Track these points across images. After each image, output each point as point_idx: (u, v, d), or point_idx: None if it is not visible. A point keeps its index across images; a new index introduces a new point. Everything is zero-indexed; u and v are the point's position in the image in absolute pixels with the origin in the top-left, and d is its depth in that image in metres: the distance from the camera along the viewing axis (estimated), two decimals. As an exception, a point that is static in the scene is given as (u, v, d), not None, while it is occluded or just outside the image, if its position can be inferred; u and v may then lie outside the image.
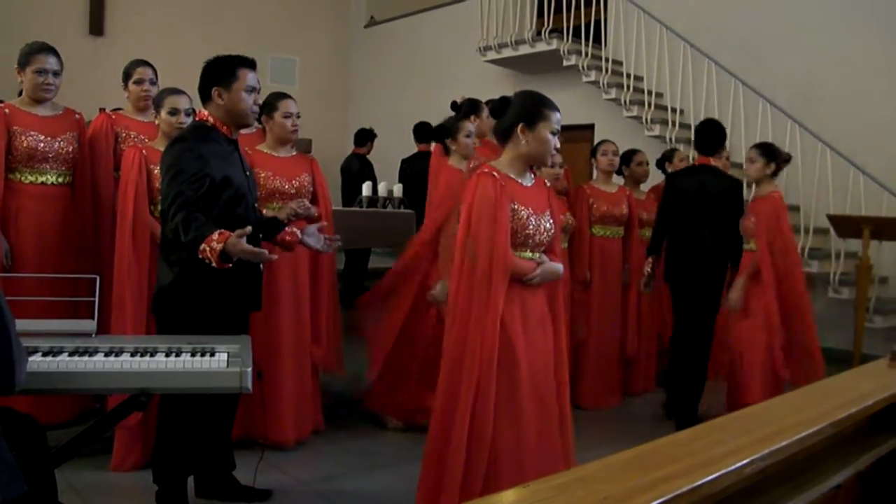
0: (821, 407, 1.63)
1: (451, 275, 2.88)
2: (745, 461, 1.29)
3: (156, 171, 3.38)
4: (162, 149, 3.08)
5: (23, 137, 3.65)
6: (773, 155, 4.47)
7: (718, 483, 1.21)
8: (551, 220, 2.94)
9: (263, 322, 3.82)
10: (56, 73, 3.70)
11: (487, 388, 2.72)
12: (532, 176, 2.95)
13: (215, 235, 2.62)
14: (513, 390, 2.78)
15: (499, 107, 2.92)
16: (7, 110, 3.66)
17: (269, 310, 3.84)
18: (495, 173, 2.78)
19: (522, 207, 2.82)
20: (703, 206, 4.61)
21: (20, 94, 3.78)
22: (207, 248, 2.62)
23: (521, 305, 2.83)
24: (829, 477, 1.62)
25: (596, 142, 7.28)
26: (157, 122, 3.62)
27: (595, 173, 5.36)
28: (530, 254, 2.87)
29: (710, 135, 4.79)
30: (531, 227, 2.84)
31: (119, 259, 3.48)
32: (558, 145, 2.89)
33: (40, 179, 3.72)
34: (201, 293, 2.87)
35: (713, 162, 4.86)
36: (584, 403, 4.98)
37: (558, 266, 2.94)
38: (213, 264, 2.63)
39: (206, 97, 3.02)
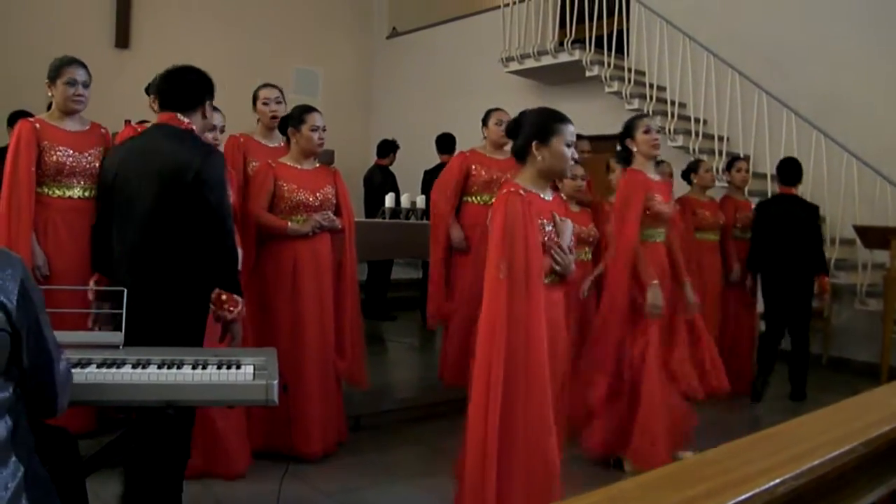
0: (853, 425, 1.61)
1: (485, 288, 2.85)
2: (777, 480, 1.28)
3: None
4: None
5: (52, 153, 3.71)
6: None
7: (751, 503, 1.20)
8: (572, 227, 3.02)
9: (290, 334, 3.86)
10: (86, 85, 3.76)
11: (543, 395, 2.76)
12: (551, 191, 3.03)
13: None
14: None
15: (513, 128, 2.99)
16: (38, 125, 3.72)
17: (296, 321, 3.89)
18: (521, 191, 2.83)
19: (546, 222, 2.90)
20: (790, 229, 5.63)
21: (49, 107, 3.84)
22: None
23: (547, 308, 2.87)
24: (863, 496, 1.59)
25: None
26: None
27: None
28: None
29: (792, 170, 5.82)
30: (555, 238, 2.91)
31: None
32: (576, 156, 2.95)
33: (67, 193, 3.78)
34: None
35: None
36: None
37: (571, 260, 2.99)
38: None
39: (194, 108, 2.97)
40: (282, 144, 4.24)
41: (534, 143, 2.88)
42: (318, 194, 3.96)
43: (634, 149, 4.06)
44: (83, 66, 3.76)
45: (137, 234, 2.75)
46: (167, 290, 2.73)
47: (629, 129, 4.08)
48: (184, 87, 2.91)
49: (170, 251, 2.72)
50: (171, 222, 2.71)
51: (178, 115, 2.87)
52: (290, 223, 3.87)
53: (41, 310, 1.70)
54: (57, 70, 3.71)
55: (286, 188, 3.90)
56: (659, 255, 4.08)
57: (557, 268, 2.88)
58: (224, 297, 2.75)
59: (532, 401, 2.76)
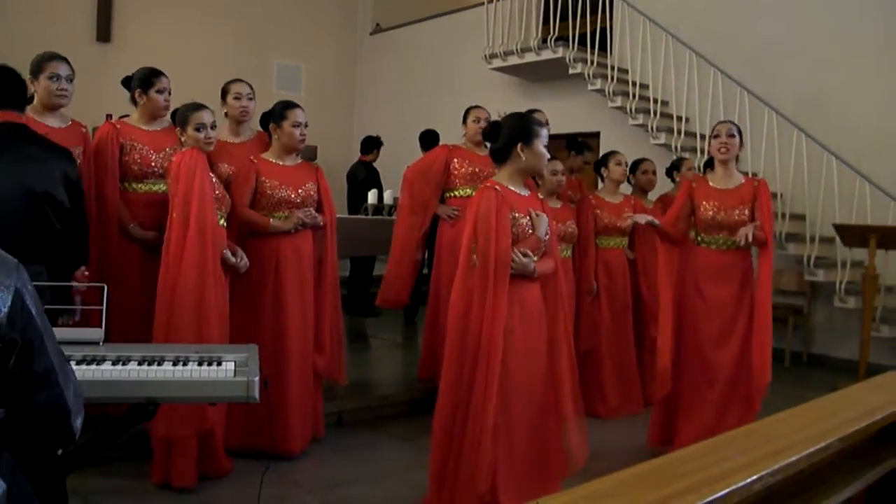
0: (829, 422, 1.63)
1: (456, 276, 3.12)
2: (754, 477, 1.29)
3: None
4: None
5: None
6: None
7: (728, 499, 1.21)
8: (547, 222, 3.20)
9: (272, 330, 3.85)
10: (69, 80, 3.71)
11: (491, 384, 2.93)
12: (527, 189, 3.25)
13: None
14: (506, 381, 3.01)
15: (491, 132, 3.19)
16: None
17: (278, 318, 3.87)
18: (497, 187, 3.06)
19: (521, 215, 3.08)
20: None
21: (30, 101, 3.79)
22: None
23: (519, 302, 3.08)
24: (838, 491, 1.61)
25: (602, 150, 7.31)
26: (183, 138, 3.62)
27: (602, 183, 5.34)
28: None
29: None
30: (530, 231, 3.10)
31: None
32: (548, 155, 3.21)
33: None
34: None
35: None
36: (601, 412, 4.98)
37: (530, 262, 3.09)
38: None
39: None
40: (250, 139, 4.23)
41: (519, 145, 3.08)
42: (300, 191, 3.94)
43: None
44: (66, 60, 3.71)
45: None
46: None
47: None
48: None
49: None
50: None
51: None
52: (272, 220, 3.86)
53: (41, 318, 1.62)
54: (39, 65, 3.66)
55: (268, 184, 3.88)
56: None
57: (512, 267, 3.00)
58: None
59: (479, 390, 2.94)
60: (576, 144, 5.64)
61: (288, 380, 3.85)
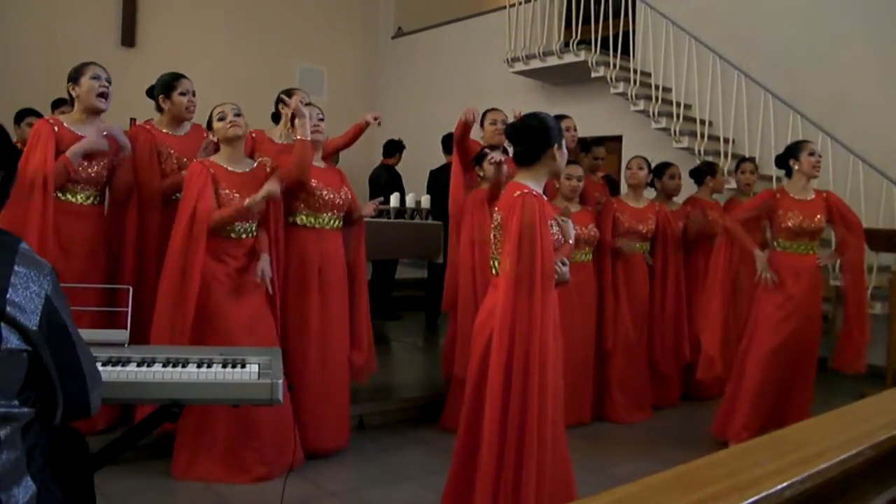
0: (860, 428, 1.60)
1: (500, 286, 2.92)
2: (784, 484, 1.27)
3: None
4: None
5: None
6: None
7: (758, 506, 1.20)
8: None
9: (317, 330, 3.92)
10: (109, 81, 3.77)
11: (544, 398, 2.81)
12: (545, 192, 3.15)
13: None
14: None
15: (518, 132, 3.00)
16: (56, 128, 3.70)
17: (323, 318, 3.95)
18: (535, 192, 2.90)
19: (553, 222, 3.01)
20: None
21: (54, 105, 3.82)
22: None
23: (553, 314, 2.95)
24: (869, 500, 1.59)
25: (624, 153, 7.28)
26: (213, 137, 3.70)
27: (625, 187, 5.35)
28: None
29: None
30: (561, 239, 3.08)
31: None
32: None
33: (70, 199, 3.76)
34: None
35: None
36: (613, 417, 5.00)
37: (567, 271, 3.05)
38: None
39: None
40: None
41: (555, 146, 2.95)
42: (341, 192, 4.02)
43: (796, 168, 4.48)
44: (103, 67, 3.79)
45: None
46: None
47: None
48: None
49: None
50: None
51: None
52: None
53: (70, 323, 1.67)
54: (78, 70, 3.73)
55: (314, 184, 3.92)
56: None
57: (556, 276, 2.93)
58: None
59: (530, 401, 2.79)
60: (584, 144, 5.63)
61: (330, 379, 3.94)
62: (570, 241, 3.11)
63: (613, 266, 5.08)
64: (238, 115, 3.69)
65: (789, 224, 4.43)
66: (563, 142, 3.02)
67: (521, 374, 2.79)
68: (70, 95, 3.78)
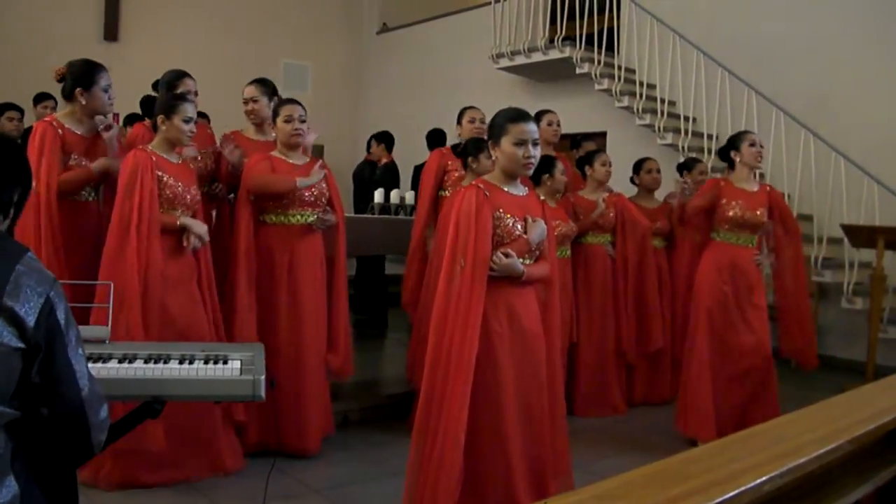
0: (839, 423, 1.61)
1: (440, 280, 2.96)
2: (763, 478, 1.28)
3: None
4: None
5: (66, 161, 3.67)
6: None
7: (737, 501, 1.20)
8: (544, 228, 3.05)
9: (287, 330, 3.86)
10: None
11: (464, 394, 2.79)
12: (525, 187, 3.11)
13: None
14: (496, 393, 2.88)
15: (489, 128, 3.09)
16: (60, 131, 3.65)
17: (293, 316, 3.89)
18: (480, 185, 2.93)
19: (508, 215, 2.94)
20: None
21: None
22: None
23: (508, 309, 2.93)
24: (847, 493, 1.60)
25: (608, 150, 7.29)
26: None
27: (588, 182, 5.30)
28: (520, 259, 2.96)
29: None
30: (517, 232, 2.94)
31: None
32: (533, 153, 2.93)
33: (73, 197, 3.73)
34: None
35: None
36: (577, 411, 4.89)
37: (515, 262, 2.92)
38: None
39: None
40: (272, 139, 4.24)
41: (490, 143, 3.01)
42: (313, 189, 3.94)
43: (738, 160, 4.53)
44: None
45: None
46: None
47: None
48: None
49: None
50: None
51: None
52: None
53: (69, 332, 1.64)
54: (90, 75, 3.68)
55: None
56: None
57: (493, 270, 2.87)
58: None
59: (449, 396, 2.80)
60: (573, 140, 5.62)
61: (305, 379, 3.87)
62: (529, 238, 2.96)
63: (575, 259, 5.06)
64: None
65: (730, 214, 4.42)
66: (504, 140, 2.90)
67: (444, 369, 2.82)
68: (73, 97, 3.72)
